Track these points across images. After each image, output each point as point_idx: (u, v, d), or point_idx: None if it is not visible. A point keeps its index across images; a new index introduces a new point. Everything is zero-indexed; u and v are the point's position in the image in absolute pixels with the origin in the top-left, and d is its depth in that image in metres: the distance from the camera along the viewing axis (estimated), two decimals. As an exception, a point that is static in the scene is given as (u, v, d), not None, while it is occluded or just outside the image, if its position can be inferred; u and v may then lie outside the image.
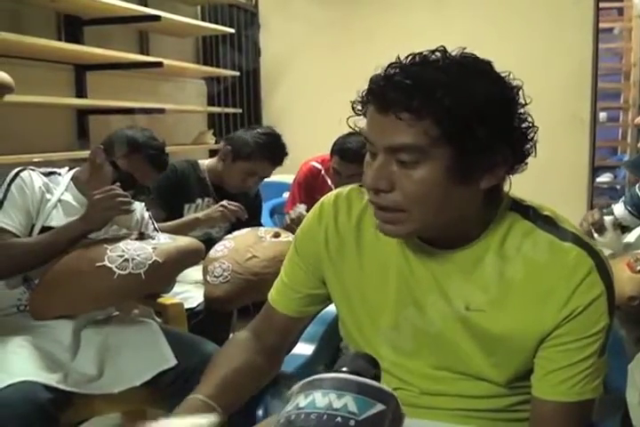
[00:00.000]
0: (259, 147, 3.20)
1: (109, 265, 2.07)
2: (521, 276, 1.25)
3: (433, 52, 1.20)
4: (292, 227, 3.00)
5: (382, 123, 1.16)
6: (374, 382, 0.89)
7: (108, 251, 2.11)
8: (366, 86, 1.21)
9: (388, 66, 1.19)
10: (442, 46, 1.21)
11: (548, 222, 1.27)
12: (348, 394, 0.86)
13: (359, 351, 1.00)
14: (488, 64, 1.20)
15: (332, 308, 1.80)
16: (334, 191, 1.46)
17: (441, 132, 1.12)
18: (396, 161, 1.17)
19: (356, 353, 0.98)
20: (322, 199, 1.47)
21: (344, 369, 0.92)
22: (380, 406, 0.86)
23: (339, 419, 0.83)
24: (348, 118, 1.31)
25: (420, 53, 1.21)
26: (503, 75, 1.19)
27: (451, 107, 1.10)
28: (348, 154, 3.44)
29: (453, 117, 1.11)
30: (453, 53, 1.20)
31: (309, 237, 1.45)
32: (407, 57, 1.21)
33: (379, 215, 1.23)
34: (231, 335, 1.54)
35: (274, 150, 3.25)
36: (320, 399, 0.85)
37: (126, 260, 2.09)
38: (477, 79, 1.15)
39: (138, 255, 2.11)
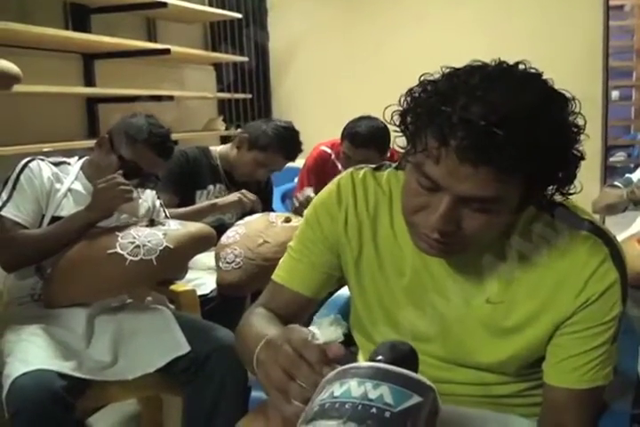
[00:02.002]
0: (276, 139, 3.18)
1: (121, 252, 2.08)
2: (537, 265, 1.25)
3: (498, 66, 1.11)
4: (300, 210, 3.00)
5: (462, 172, 1.04)
6: (412, 373, 0.86)
7: (119, 238, 2.12)
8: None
9: (452, 86, 1.07)
10: (499, 60, 1.13)
11: (562, 211, 1.26)
12: (385, 384, 0.83)
13: (398, 340, 0.95)
14: (563, 96, 1.11)
15: (342, 292, 1.80)
16: (348, 172, 1.43)
17: (526, 181, 1.07)
18: (465, 205, 1.10)
19: (395, 342, 0.94)
20: (337, 180, 1.43)
21: (381, 358, 0.89)
22: (417, 398, 0.83)
23: (374, 410, 0.79)
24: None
25: (481, 68, 1.10)
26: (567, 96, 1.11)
27: (545, 161, 1.04)
28: (359, 138, 3.44)
29: (543, 170, 1.07)
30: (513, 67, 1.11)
31: (329, 215, 1.40)
32: (466, 71, 1.10)
33: (434, 246, 1.17)
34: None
35: (290, 145, 3.23)
36: (355, 389, 0.82)
37: (137, 246, 2.09)
38: (564, 124, 1.08)
39: (149, 241, 2.11)
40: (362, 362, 0.88)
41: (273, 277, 1.48)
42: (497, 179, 1.03)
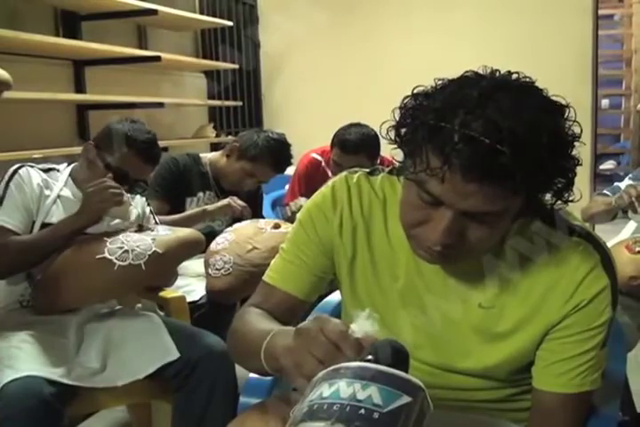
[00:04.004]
0: (266, 151, 3.18)
1: (109, 257, 2.07)
2: (529, 271, 1.26)
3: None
4: (293, 219, 3.01)
5: (467, 190, 1.04)
6: (401, 373, 0.85)
7: (107, 243, 2.12)
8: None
9: (449, 101, 1.06)
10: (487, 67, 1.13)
11: (554, 217, 1.27)
12: (374, 385, 0.82)
13: (389, 339, 0.93)
14: (558, 104, 1.11)
15: (331, 298, 1.80)
16: (343, 175, 1.42)
17: (529, 191, 1.08)
18: (467, 217, 1.10)
19: (386, 341, 0.93)
20: (331, 183, 1.42)
21: (370, 358, 0.89)
22: (406, 399, 0.82)
23: (362, 411, 0.79)
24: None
25: (476, 81, 1.09)
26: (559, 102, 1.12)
27: (547, 171, 1.05)
28: (349, 145, 3.45)
29: (546, 182, 1.09)
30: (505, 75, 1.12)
31: (323, 217, 1.39)
32: (461, 85, 1.09)
33: (436, 257, 1.18)
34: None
35: (279, 158, 3.22)
36: (344, 389, 0.81)
37: (126, 251, 2.09)
38: (562, 133, 1.09)
39: (137, 246, 2.11)
40: (351, 362, 0.87)
41: (264, 278, 1.46)
42: (501, 195, 1.04)
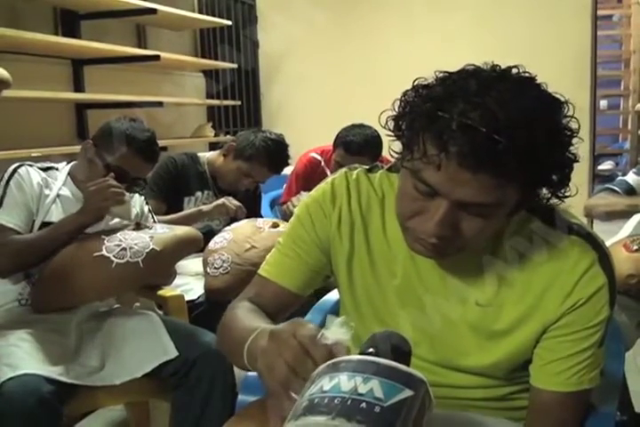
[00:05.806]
0: (262, 151, 3.17)
1: (107, 254, 2.08)
2: (526, 269, 1.26)
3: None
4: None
5: (461, 178, 1.04)
6: (403, 366, 0.84)
7: (105, 241, 2.12)
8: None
9: (448, 91, 1.07)
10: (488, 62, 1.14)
11: (551, 215, 1.27)
12: (375, 378, 0.80)
13: (390, 332, 0.93)
14: (557, 99, 1.12)
15: (329, 297, 1.80)
16: (342, 172, 1.42)
17: (524, 184, 1.08)
18: (462, 209, 1.10)
19: (387, 334, 0.92)
20: (331, 179, 1.42)
21: (372, 351, 0.88)
22: (407, 392, 0.81)
23: (363, 405, 0.77)
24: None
25: (476, 72, 1.11)
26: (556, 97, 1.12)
27: (542, 165, 1.05)
28: (354, 147, 3.47)
29: (541, 173, 1.08)
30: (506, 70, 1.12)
31: (322, 213, 1.39)
32: (461, 76, 1.10)
33: (430, 249, 1.18)
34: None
35: (275, 158, 3.22)
36: (345, 383, 0.80)
37: (124, 249, 2.09)
38: (560, 128, 1.09)
39: (135, 244, 2.11)
40: (352, 355, 0.87)
41: (259, 271, 1.47)
42: (496, 185, 1.04)
